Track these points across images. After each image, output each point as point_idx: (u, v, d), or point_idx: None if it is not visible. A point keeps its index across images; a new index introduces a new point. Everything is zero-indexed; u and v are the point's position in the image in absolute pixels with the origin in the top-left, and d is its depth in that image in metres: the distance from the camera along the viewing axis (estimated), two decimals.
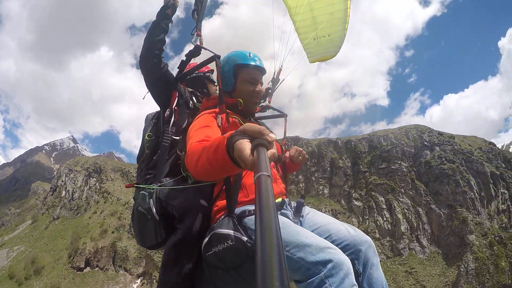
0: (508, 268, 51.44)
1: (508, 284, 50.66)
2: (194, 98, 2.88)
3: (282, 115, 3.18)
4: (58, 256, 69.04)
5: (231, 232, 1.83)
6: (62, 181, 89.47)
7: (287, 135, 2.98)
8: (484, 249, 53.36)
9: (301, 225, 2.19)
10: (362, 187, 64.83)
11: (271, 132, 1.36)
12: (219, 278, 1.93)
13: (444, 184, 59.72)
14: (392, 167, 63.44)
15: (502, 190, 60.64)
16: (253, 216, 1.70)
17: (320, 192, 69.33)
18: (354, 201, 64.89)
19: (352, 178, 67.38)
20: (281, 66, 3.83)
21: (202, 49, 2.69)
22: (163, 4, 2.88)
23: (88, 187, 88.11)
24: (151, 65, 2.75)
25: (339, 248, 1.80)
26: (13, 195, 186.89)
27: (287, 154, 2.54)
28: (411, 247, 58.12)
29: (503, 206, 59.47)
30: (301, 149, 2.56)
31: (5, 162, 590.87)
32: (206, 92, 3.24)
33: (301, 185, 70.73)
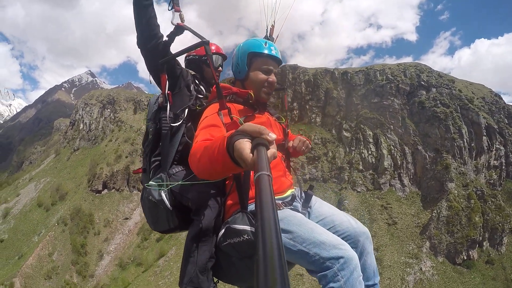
0: (481, 225, 56.42)
1: (477, 240, 55.44)
2: (196, 81, 3.13)
3: (281, 88, 3.50)
4: (79, 182, 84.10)
5: (247, 227, 2.14)
6: (80, 115, 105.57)
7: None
8: (461, 200, 58.40)
9: (309, 216, 2.58)
10: (353, 119, 69.94)
11: (271, 131, 1.56)
12: (233, 265, 2.32)
13: (435, 127, 63.46)
14: (384, 102, 67.79)
15: (497, 146, 64.58)
16: None
17: (313, 120, 73.88)
18: (344, 131, 69.56)
19: (345, 109, 71.85)
20: (274, 22, 3.90)
21: (184, 29, 2.84)
22: None
23: (103, 118, 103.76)
24: (151, 48, 2.87)
25: (341, 237, 2.31)
26: (38, 134, 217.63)
27: (290, 144, 2.81)
28: (391, 183, 63.43)
29: (495, 162, 63.92)
30: (304, 138, 2.83)
31: (27, 104, 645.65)
32: (202, 76, 3.35)
33: (295, 112, 74.99)
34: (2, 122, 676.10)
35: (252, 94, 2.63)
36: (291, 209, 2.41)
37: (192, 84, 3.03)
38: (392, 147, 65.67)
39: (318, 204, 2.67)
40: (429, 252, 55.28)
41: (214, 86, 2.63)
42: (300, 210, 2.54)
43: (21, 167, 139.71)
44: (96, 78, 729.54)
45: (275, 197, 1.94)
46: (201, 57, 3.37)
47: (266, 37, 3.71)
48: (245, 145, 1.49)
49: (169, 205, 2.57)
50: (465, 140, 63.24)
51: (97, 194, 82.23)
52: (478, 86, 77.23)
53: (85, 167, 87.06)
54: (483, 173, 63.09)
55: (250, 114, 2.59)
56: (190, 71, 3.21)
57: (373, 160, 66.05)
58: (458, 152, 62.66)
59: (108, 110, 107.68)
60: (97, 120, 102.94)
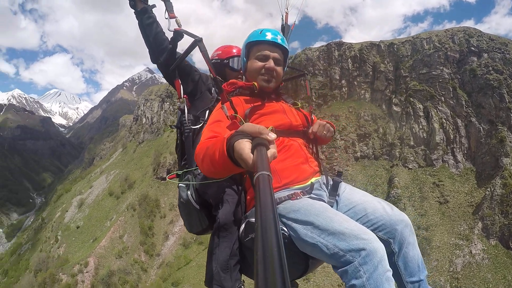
0: None
1: None
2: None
3: (302, 74, 3.59)
4: (145, 171, 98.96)
5: None
6: (141, 110, 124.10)
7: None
8: None
9: (337, 204, 2.49)
10: (402, 92, 70.85)
11: (271, 131, 1.67)
12: None
13: (488, 96, 63.01)
14: (433, 72, 67.90)
15: None
16: (284, 203, 2.28)
17: (362, 97, 75.98)
18: (394, 106, 70.93)
19: (394, 83, 73.00)
20: (287, 9, 4.13)
21: (183, 33, 3.09)
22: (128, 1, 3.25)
23: (163, 111, 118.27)
24: (163, 62, 3.28)
25: (375, 227, 2.27)
26: (106, 132, 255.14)
27: (310, 130, 2.81)
28: (444, 159, 63.97)
29: None
30: (324, 122, 2.81)
31: (93, 106, 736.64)
32: (225, 79, 3.56)
33: (344, 90, 77.90)
34: (71, 124, 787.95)
35: (256, 85, 2.78)
36: (311, 197, 2.37)
37: (214, 87, 3.38)
38: (444, 120, 65.83)
39: (348, 191, 2.58)
40: (481, 234, 55.28)
41: (224, 84, 2.90)
42: (326, 198, 2.49)
43: (92, 163, 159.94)
44: (154, 74, 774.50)
45: (296, 186, 2.43)
46: (223, 60, 3.79)
47: (282, 26, 4.09)
48: (244, 145, 1.62)
49: (195, 204, 2.93)
50: None
51: (162, 181, 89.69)
52: None
53: (149, 157, 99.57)
54: None
55: (258, 103, 2.72)
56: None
57: (425, 134, 66.78)
58: None
59: (167, 103, 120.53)
60: (158, 114, 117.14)
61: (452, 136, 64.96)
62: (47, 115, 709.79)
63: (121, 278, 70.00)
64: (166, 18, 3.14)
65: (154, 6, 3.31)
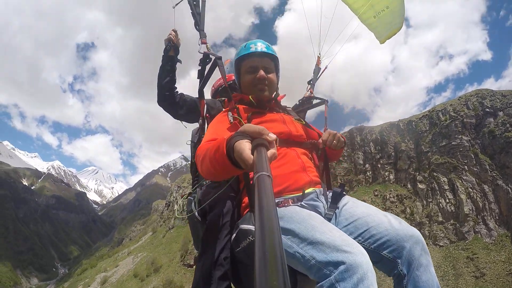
0: None
1: None
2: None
3: (322, 102, 3.89)
4: (173, 257, 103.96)
5: (252, 227, 2.25)
6: (174, 197, 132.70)
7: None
8: None
9: (336, 217, 2.48)
10: (425, 168, 71.57)
11: (285, 127, 1.91)
12: (248, 274, 2.44)
13: (510, 155, 62.11)
14: (453, 143, 68.49)
15: None
16: (278, 206, 2.35)
17: (387, 178, 77.55)
18: (418, 184, 71.16)
19: (416, 160, 74.30)
20: (319, 53, 4.74)
21: (210, 54, 3.52)
22: (164, 47, 3.92)
23: None
24: (168, 106, 3.89)
25: (379, 243, 2.17)
26: (138, 214, 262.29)
27: (320, 139, 2.96)
28: (476, 230, 61.67)
29: None
30: (335, 132, 2.92)
31: (128, 188, 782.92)
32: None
33: (368, 174, 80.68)
34: (105, 202, 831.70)
35: (252, 99, 3.04)
36: (301, 206, 2.42)
37: (223, 108, 3.60)
38: (470, 189, 64.84)
39: (351, 204, 2.56)
40: None
41: (226, 99, 3.34)
42: (322, 210, 2.51)
43: (121, 243, 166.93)
44: (188, 162, 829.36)
45: (289, 195, 2.52)
46: (229, 83, 4.25)
47: (314, 68, 4.83)
48: (244, 145, 1.69)
49: (197, 215, 3.05)
50: None
51: (189, 268, 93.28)
52: None
53: (178, 243, 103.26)
54: None
55: (258, 112, 2.98)
56: (219, 99, 3.99)
57: (452, 208, 65.65)
58: None
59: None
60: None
61: (481, 204, 63.34)
62: (83, 190, 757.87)
63: None
64: (199, 44, 3.78)
65: (179, 61, 4.14)
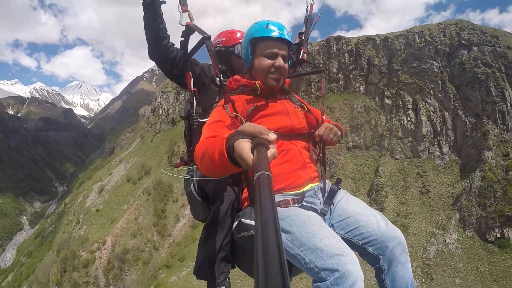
0: None
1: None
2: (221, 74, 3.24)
3: (319, 71, 3.61)
4: (160, 159, 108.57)
5: (252, 222, 2.43)
6: (158, 102, 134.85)
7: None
8: (499, 171, 59.42)
9: (330, 213, 2.64)
10: (394, 85, 75.10)
11: (289, 120, 1.91)
12: (248, 256, 2.68)
13: (475, 90, 64.73)
14: (423, 66, 71.12)
15: None
16: (280, 207, 2.47)
17: (357, 89, 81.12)
18: (386, 99, 75.19)
19: (387, 76, 77.19)
20: (312, 0, 4.34)
21: (193, 28, 3.21)
22: None
23: (178, 102, 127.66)
24: (159, 62, 3.55)
25: (366, 241, 2.41)
26: (126, 122, 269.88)
27: (316, 133, 2.91)
28: (430, 151, 67.36)
29: None
30: (332, 125, 2.90)
31: (113, 97, 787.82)
32: (230, 68, 3.93)
33: (340, 83, 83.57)
34: (93, 115, 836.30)
35: (258, 85, 2.87)
36: (301, 206, 2.53)
37: (217, 77, 3.30)
38: (431, 113, 69.54)
39: (345, 201, 2.72)
40: (457, 225, 58.44)
41: (228, 81, 3.07)
42: (319, 206, 2.65)
43: (113, 152, 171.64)
44: None
45: (289, 192, 2.59)
46: (228, 48, 3.95)
47: (306, 17, 4.38)
48: (244, 145, 1.70)
49: (197, 197, 3.22)
50: (508, 104, 63.25)
51: (176, 168, 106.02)
52: None
53: (165, 146, 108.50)
54: None
55: (261, 103, 2.83)
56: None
57: (412, 127, 70.88)
58: (500, 117, 63.17)
59: (182, 95, 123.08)
60: (173, 105, 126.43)
61: (439, 129, 68.35)
62: (69, 107, 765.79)
63: (135, 255, 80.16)
64: (179, 11, 3.24)
65: (163, 2, 3.40)
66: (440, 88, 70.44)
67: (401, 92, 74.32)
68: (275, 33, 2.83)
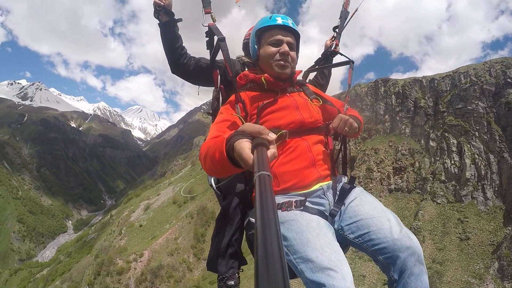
0: None
1: None
2: (246, 68, 3.47)
3: (347, 62, 3.55)
4: (208, 187, 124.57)
5: None
6: None
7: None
8: None
9: (340, 214, 2.52)
10: (440, 127, 73.07)
11: (299, 114, 1.87)
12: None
13: None
14: (468, 107, 68.84)
15: None
16: (281, 209, 2.40)
17: (402, 131, 79.99)
18: (431, 141, 73.41)
19: (433, 118, 75.58)
20: None
21: (212, 29, 3.21)
22: (153, 11, 3.40)
23: None
24: (182, 76, 3.64)
25: (376, 248, 2.25)
26: (180, 149, 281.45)
27: (330, 125, 2.79)
28: (474, 196, 63.85)
29: None
30: (346, 117, 2.73)
31: (171, 124, 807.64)
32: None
33: (387, 125, 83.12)
34: (149, 139, 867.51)
35: (265, 80, 2.85)
36: (306, 208, 2.44)
37: (241, 70, 3.37)
38: (476, 155, 66.46)
39: (358, 202, 2.55)
40: (495, 275, 54.21)
41: (238, 76, 3.08)
42: (327, 207, 2.54)
43: (164, 175, 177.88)
44: None
45: (295, 192, 2.52)
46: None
47: (341, 11, 4.32)
48: (244, 145, 1.70)
49: (217, 190, 3.38)
50: None
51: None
52: None
53: None
54: None
55: (270, 99, 2.79)
56: (242, 57, 3.86)
57: (456, 170, 67.89)
58: None
59: None
60: None
61: (483, 172, 64.66)
62: (128, 128, 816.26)
63: (168, 272, 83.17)
64: (202, 13, 3.29)
65: (179, 20, 3.47)
66: (486, 130, 67.32)
67: (446, 134, 71.88)
68: (279, 21, 2.88)
